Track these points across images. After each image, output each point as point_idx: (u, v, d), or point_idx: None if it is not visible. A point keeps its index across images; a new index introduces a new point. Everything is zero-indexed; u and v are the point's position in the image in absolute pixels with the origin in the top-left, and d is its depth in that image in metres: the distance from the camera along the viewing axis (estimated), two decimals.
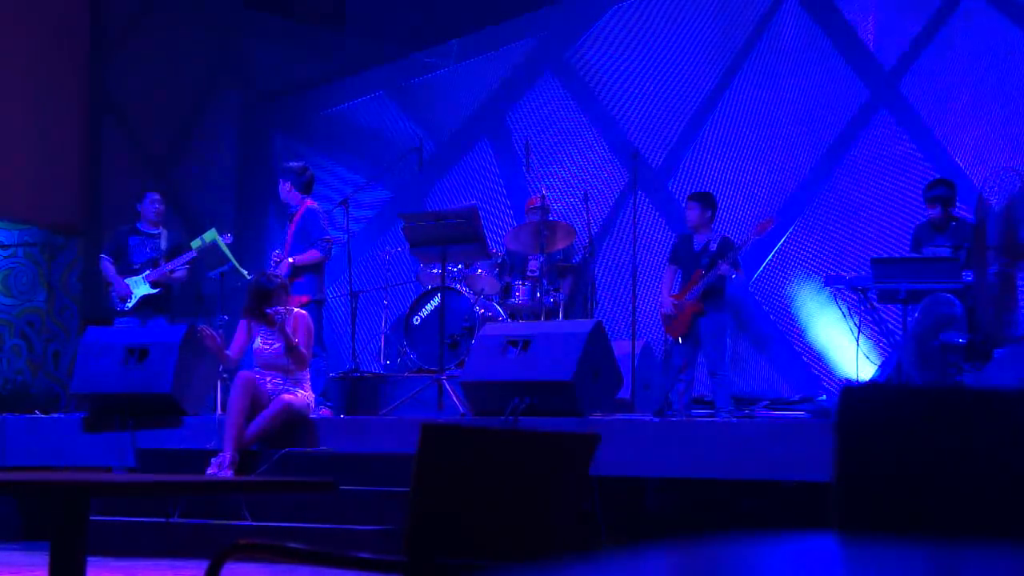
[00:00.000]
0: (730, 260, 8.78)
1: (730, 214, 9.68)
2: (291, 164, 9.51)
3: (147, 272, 9.61)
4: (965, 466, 1.73)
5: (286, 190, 9.31)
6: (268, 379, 8.00)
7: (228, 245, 9.37)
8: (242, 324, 8.15)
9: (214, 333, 8.09)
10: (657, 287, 9.63)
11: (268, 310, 7.94)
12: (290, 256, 9.03)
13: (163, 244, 9.74)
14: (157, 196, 9.88)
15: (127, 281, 9.58)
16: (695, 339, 9.00)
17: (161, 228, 9.82)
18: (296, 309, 8.24)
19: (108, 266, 9.67)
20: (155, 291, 9.60)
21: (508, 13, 11.68)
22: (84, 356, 8.79)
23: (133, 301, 9.56)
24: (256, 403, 7.88)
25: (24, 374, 11.77)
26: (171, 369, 8.43)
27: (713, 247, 8.92)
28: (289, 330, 7.93)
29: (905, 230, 9.02)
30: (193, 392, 8.68)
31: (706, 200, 9.11)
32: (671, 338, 9.08)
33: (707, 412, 8.83)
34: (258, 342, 8.06)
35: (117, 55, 12.50)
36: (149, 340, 8.69)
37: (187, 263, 9.66)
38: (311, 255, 9.05)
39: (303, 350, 7.99)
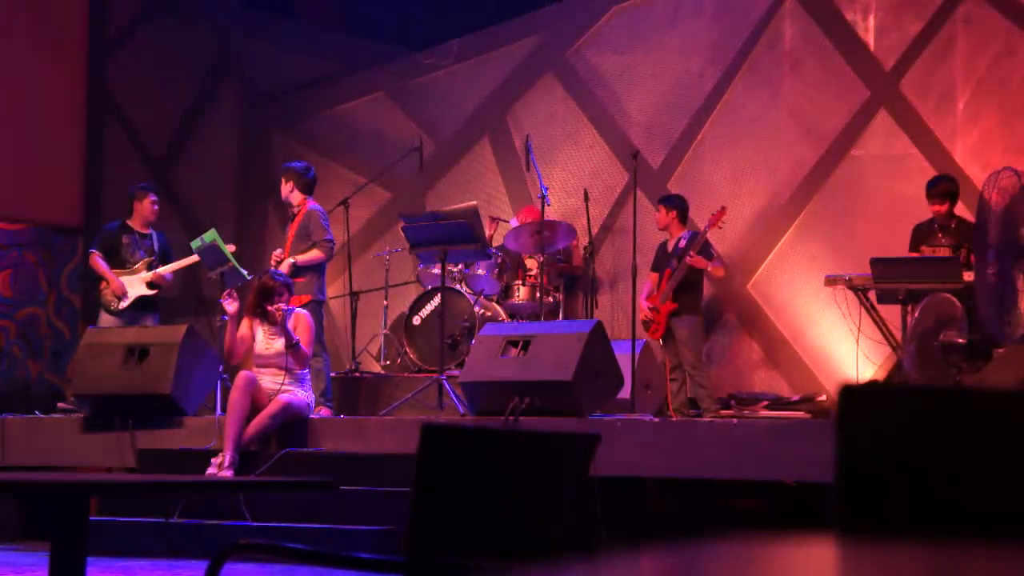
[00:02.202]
0: (696, 247, 8.98)
1: (730, 214, 9.66)
2: (294, 164, 9.49)
3: (143, 272, 9.60)
4: (965, 466, 1.73)
5: (288, 190, 9.30)
6: (268, 378, 8.00)
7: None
8: (245, 323, 8.16)
9: (235, 296, 8.06)
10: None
11: (270, 307, 7.95)
12: (291, 256, 9.02)
13: (155, 245, 9.75)
14: (156, 197, 9.90)
15: (121, 279, 9.56)
16: (675, 339, 9.13)
17: (151, 229, 9.82)
18: (297, 308, 8.25)
19: (101, 262, 9.61)
20: (151, 292, 9.59)
21: (508, 13, 11.66)
22: (84, 356, 8.79)
23: (129, 300, 9.54)
24: (256, 403, 7.89)
25: (24, 374, 11.76)
26: (171, 369, 8.43)
27: (683, 244, 9.16)
28: (290, 327, 7.94)
29: (905, 230, 9.02)
30: (193, 392, 8.68)
31: (669, 202, 9.45)
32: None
33: (695, 413, 8.90)
34: (259, 340, 8.07)
35: (117, 55, 12.50)
36: (149, 340, 8.69)
37: (189, 267, 9.68)
38: (314, 255, 9.03)
39: (304, 348, 8.00)
